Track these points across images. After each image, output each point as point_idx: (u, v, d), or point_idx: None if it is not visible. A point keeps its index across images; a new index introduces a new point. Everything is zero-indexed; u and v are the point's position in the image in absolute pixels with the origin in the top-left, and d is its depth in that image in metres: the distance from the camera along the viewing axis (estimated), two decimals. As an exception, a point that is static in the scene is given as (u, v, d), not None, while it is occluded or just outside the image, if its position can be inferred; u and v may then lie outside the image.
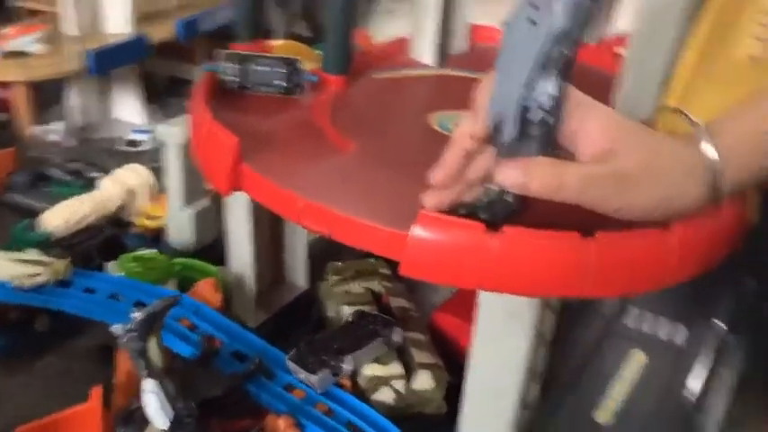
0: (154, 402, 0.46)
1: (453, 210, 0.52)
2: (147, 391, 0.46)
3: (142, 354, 0.46)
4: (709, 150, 0.49)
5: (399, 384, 0.63)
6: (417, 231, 0.49)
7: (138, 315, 0.47)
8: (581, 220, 0.49)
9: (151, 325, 0.47)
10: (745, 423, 0.68)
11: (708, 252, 0.53)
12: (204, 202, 0.82)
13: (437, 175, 0.51)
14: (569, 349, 0.72)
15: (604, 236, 0.48)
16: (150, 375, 0.46)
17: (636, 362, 0.73)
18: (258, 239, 0.70)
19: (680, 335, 0.77)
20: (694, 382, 0.69)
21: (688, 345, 0.75)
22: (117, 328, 0.47)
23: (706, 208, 0.50)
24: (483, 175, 0.52)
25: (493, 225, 0.49)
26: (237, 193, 0.62)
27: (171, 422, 0.46)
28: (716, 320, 0.77)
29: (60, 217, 0.82)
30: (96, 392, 0.56)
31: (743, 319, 0.78)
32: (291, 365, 0.60)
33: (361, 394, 0.63)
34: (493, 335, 0.57)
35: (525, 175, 0.47)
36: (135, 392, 0.56)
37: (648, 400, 0.67)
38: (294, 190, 0.55)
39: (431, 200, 0.52)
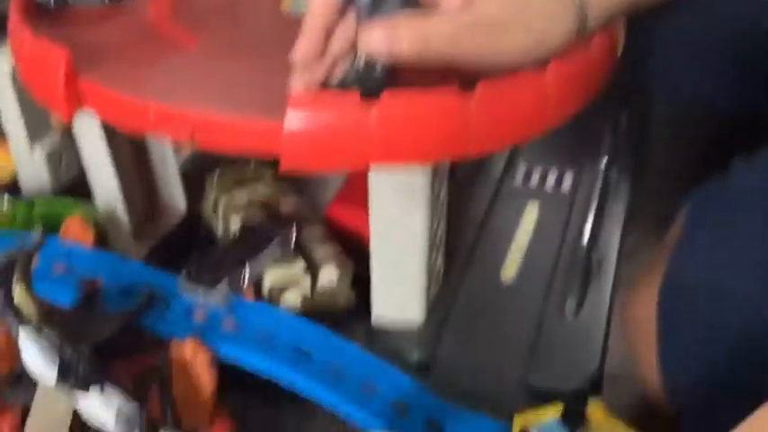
0: (32, 352, 0.41)
1: (323, 89, 0.48)
2: (23, 341, 0.41)
3: (7, 302, 0.41)
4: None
5: (304, 284, 0.61)
6: (292, 116, 0.45)
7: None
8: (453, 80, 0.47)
9: (10, 273, 0.41)
10: (638, 252, 0.71)
11: (584, 87, 0.53)
12: (55, 137, 0.73)
13: (298, 53, 0.47)
14: (465, 215, 0.72)
15: (483, 86, 0.46)
16: (21, 322, 0.41)
17: (530, 216, 0.74)
18: (122, 165, 0.64)
19: (568, 180, 0.78)
20: (586, 224, 0.71)
21: (577, 188, 0.76)
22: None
23: (575, 44, 0.49)
24: (348, 47, 0.48)
25: (368, 96, 0.46)
26: (85, 116, 0.56)
27: (58, 371, 0.41)
28: (599, 158, 0.79)
29: None
30: (-29, 362, 0.50)
31: (624, 153, 0.81)
32: (186, 287, 0.56)
33: (267, 302, 0.60)
34: (389, 213, 0.55)
35: (390, 37, 0.44)
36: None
37: (547, 250, 0.69)
38: (143, 97, 0.49)
39: (298, 81, 0.48)
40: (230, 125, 0.48)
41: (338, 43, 0.48)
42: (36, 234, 0.51)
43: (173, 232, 0.71)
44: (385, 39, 0.44)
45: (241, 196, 0.69)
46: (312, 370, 0.54)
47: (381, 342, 0.61)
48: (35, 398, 0.45)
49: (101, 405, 0.43)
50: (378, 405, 0.53)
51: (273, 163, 0.75)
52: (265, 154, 0.48)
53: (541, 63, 0.48)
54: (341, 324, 0.62)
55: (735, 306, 0.43)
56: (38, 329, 0.41)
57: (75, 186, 0.75)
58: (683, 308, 0.47)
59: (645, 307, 0.54)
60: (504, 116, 0.48)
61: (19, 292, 0.43)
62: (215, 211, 0.70)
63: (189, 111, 0.48)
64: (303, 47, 0.47)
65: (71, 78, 0.51)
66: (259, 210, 0.67)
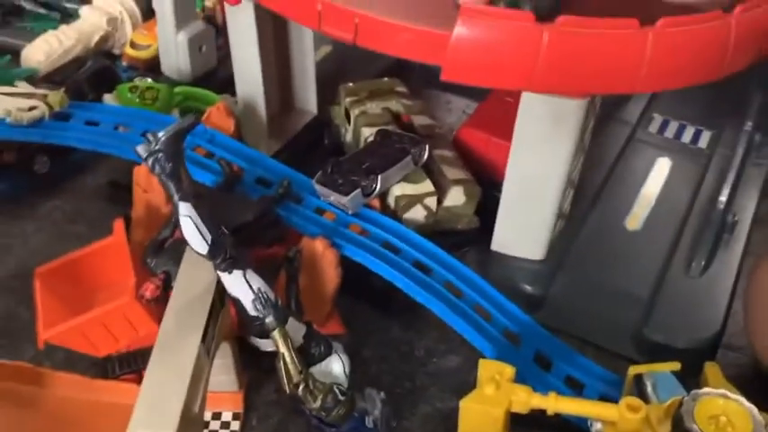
0: (190, 226, 0.42)
1: (493, 3, 0.47)
2: (183, 215, 0.42)
3: (173, 175, 0.42)
4: None
5: (431, 202, 0.61)
6: (461, 27, 0.44)
7: (161, 134, 0.42)
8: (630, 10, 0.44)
9: (178, 144, 0.43)
10: (769, 221, 0.68)
11: (763, 38, 0.50)
12: (198, 25, 0.75)
13: None
14: (595, 158, 0.70)
15: (666, 22, 0.44)
16: (183, 198, 0.43)
17: (662, 168, 0.71)
18: (266, 59, 0.64)
19: (705, 138, 0.75)
20: (724, 184, 0.68)
21: (715, 147, 0.73)
22: (141, 149, 0.42)
23: None
24: None
25: (540, 17, 0.44)
26: (242, 7, 0.56)
27: (210, 245, 0.43)
28: (743, 120, 0.75)
29: (41, 51, 0.75)
30: (119, 225, 0.53)
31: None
32: (320, 188, 0.57)
33: (392, 214, 0.60)
34: (534, 142, 0.54)
35: None
36: (155, 226, 0.54)
37: (677, 205, 0.66)
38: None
39: (470, -6, 0.46)
40: (395, 29, 0.47)
41: None
42: (191, 116, 0.52)
43: (301, 133, 0.72)
44: None
45: (373, 107, 0.69)
46: (433, 285, 0.54)
47: (496, 270, 0.61)
48: (182, 265, 0.47)
49: (242, 285, 0.45)
50: (492, 331, 0.53)
51: (406, 79, 0.76)
52: (428, 60, 0.47)
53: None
54: (462, 243, 0.63)
55: None
56: (194, 203, 0.43)
57: (209, 80, 0.77)
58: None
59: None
60: (682, 56, 0.45)
61: (180, 167, 0.44)
62: (346, 118, 0.70)
63: (356, 11, 0.48)
64: None
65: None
66: (390, 123, 0.67)
